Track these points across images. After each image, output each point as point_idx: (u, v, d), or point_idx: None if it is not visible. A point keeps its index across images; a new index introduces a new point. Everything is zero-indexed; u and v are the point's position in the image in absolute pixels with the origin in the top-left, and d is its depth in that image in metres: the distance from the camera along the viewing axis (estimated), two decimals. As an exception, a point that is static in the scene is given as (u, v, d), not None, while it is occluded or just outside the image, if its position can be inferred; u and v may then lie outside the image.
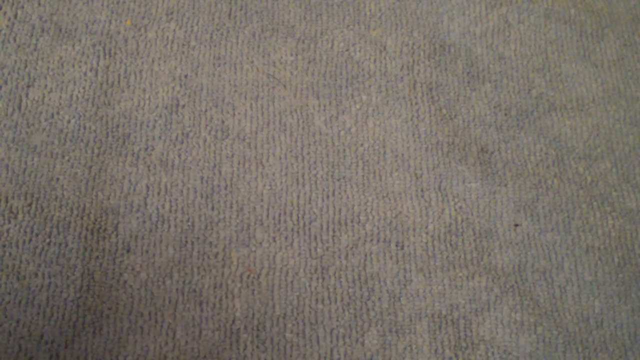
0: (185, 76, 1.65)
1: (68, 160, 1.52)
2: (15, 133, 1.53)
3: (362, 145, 1.61)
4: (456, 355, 1.40)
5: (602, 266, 1.52)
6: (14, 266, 1.39)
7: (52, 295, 1.37)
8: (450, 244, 1.51)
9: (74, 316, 1.36)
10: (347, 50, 1.73)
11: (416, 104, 1.68)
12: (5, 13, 1.68)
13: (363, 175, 1.57)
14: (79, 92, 1.60)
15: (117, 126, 1.57)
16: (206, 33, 1.71)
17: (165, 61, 1.66)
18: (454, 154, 1.62)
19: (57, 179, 1.49)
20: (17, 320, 1.34)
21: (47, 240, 1.42)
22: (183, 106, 1.61)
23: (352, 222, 1.52)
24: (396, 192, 1.56)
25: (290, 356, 1.37)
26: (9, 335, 1.33)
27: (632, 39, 1.84)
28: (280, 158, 1.57)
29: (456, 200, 1.56)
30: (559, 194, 1.60)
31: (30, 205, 1.46)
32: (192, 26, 1.71)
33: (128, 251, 1.43)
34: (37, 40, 1.65)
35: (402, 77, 1.71)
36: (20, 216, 1.44)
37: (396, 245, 1.50)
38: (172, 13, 1.73)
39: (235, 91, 1.65)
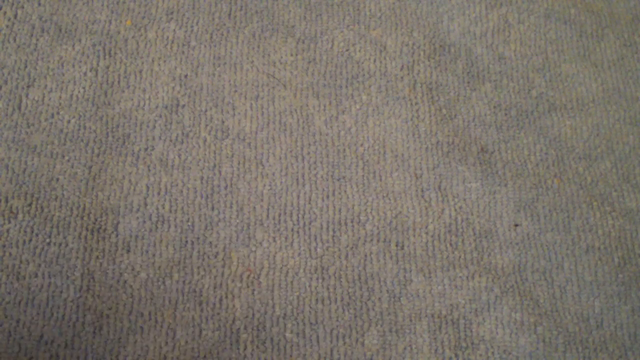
0: (185, 76, 1.65)
1: (68, 160, 1.52)
2: (15, 133, 1.53)
3: (362, 145, 1.61)
4: (456, 355, 1.40)
5: (602, 266, 1.52)
6: (14, 266, 1.39)
7: (52, 295, 1.37)
8: (450, 244, 1.51)
9: (74, 316, 1.36)
10: (347, 50, 1.73)
11: (416, 104, 1.68)
12: (5, 13, 1.68)
13: (363, 175, 1.57)
14: (79, 92, 1.60)
15: (117, 126, 1.57)
16: (206, 33, 1.71)
17: (165, 61, 1.66)
18: (454, 154, 1.62)
19: (57, 179, 1.49)
20: (17, 320, 1.34)
21: (47, 240, 1.42)
22: (183, 106, 1.61)
23: (352, 222, 1.52)
24: (396, 192, 1.56)
25: (290, 356, 1.37)
26: (9, 335, 1.33)
27: (632, 39, 1.84)
28: (280, 158, 1.57)
29: (456, 200, 1.57)
30: (559, 194, 1.60)
31: (30, 205, 1.46)
32: (192, 26, 1.71)
33: (128, 251, 1.43)
34: (37, 40, 1.65)
35: (402, 77, 1.71)
36: (20, 216, 1.44)
37: (396, 245, 1.50)
38: (172, 13, 1.73)
39: (235, 91, 1.65)
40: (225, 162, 1.56)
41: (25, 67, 1.62)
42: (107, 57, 1.65)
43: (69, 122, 1.56)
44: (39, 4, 1.70)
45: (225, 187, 1.53)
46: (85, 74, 1.62)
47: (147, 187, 1.51)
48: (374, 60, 1.73)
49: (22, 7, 1.69)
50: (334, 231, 1.50)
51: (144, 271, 1.42)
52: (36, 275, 1.38)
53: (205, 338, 1.37)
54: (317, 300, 1.43)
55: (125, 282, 1.40)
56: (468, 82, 1.72)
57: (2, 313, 1.34)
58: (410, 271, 1.47)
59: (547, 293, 1.48)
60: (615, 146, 1.68)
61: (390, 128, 1.64)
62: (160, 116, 1.59)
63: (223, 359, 1.35)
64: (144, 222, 1.47)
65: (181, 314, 1.38)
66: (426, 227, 1.53)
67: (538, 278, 1.49)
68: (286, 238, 1.48)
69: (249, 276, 1.44)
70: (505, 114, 1.69)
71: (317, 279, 1.45)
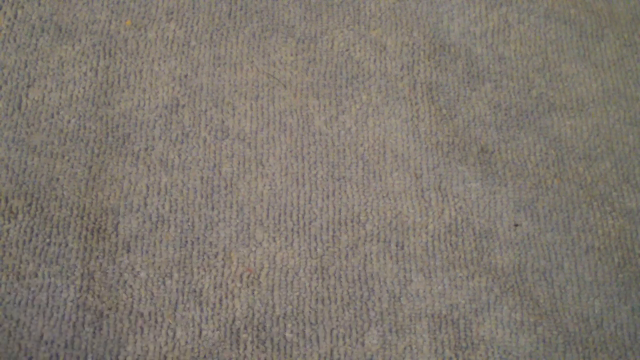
0: (185, 76, 1.65)
1: (68, 160, 1.52)
2: (15, 133, 1.53)
3: (362, 145, 1.61)
4: (456, 355, 1.40)
5: (602, 266, 1.52)
6: (14, 266, 1.39)
7: (52, 295, 1.37)
8: (450, 244, 1.51)
9: (74, 316, 1.36)
10: (347, 50, 1.73)
11: (416, 104, 1.68)
12: (5, 13, 1.68)
13: (363, 175, 1.57)
14: (79, 92, 1.60)
15: (117, 126, 1.57)
16: (206, 33, 1.71)
17: (165, 61, 1.66)
18: (454, 154, 1.62)
19: (57, 179, 1.49)
20: (17, 320, 1.34)
21: (47, 240, 1.42)
22: (183, 106, 1.61)
23: (352, 222, 1.52)
24: (396, 192, 1.56)
25: (290, 356, 1.37)
26: (9, 335, 1.33)
27: (632, 39, 1.84)
28: (280, 158, 1.57)
29: (456, 200, 1.57)
30: (559, 194, 1.60)
31: (30, 205, 1.46)
32: (192, 26, 1.71)
33: (128, 251, 1.43)
34: (37, 40, 1.65)
35: (402, 77, 1.71)
36: (20, 216, 1.44)
37: (396, 245, 1.50)
38: (172, 13, 1.73)
39: (235, 91, 1.65)
40: (225, 162, 1.56)
41: (25, 67, 1.62)
42: (107, 57, 1.65)
43: (69, 122, 1.56)
44: (39, 4, 1.70)
45: (225, 187, 1.53)
46: (85, 74, 1.62)
47: (147, 187, 1.51)
48: (374, 60, 1.73)
49: (22, 7, 1.69)
50: (334, 231, 1.50)
51: (144, 271, 1.42)
52: (36, 275, 1.38)
53: (205, 338, 1.37)
54: (317, 300, 1.43)
55: (125, 282, 1.40)
56: (468, 82, 1.72)
57: (2, 313, 1.34)
58: (410, 271, 1.47)
59: (547, 293, 1.48)
60: (615, 146, 1.68)
61: (390, 128, 1.64)
62: (160, 116, 1.59)
63: (223, 359, 1.35)
64: (144, 222, 1.47)
65: (181, 314, 1.38)
66: (426, 227, 1.53)
67: (538, 278, 1.49)
68: (286, 238, 1.48)
69: (249, 276, 1.44)
70: (505, 114, 1.69)
71: (317, 279, 1.45)
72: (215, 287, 1.42)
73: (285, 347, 1.38)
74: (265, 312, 1.40)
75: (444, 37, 1.78)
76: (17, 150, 1.51)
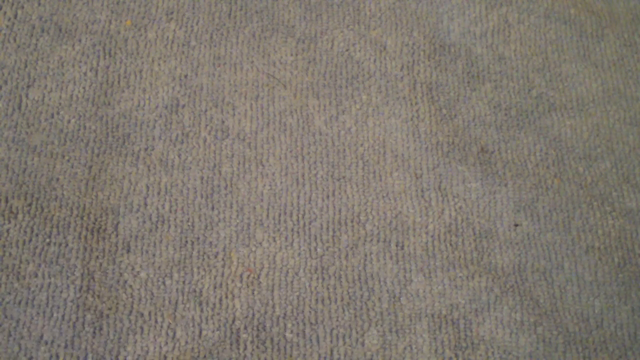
0: (185, 76, 1.65)
1: (68, 160, 1.52)
2: (15, 133, 1.53)
3: (362, 145, 1.61)
4: (456, 355, 1.40)
5: (602, 266, 1.52)
6: (14, 266, 1.39)
7: (52, 295, 1.37)
8: (450, 244, 1.51)
9: (74, 316, 1.36)
10: (347, 50, 1.73)
11: (416, 104, 1.68)
12: (5, 13, 1.68)
13: (363, 175, 1.57)
14: (79, 92, 1.60)
15: (117, 126, 1.57)
16: (206, 33, 1.71)
17: (165, 61, 1.66)
18: (454, 154, 1.62)
19: (57, 179, 1.49)
20: (17, 320, 1.34)
21: (47, 240, 1.42)
22: (183, 106, 1.61)
23: (352, 222, 1.52)
24: (396, 192, 1.56)
25: (290, 356, 1.37)
26: (9, 335, 1.33)
27: (632, 39, 1.84)
28: (280, 158, 1.57)
29: (456, 200, 1.57)
30: (559, 194, 1.60)
31: (30, 205, 1.46)
32: (192, 26, 1.71)
33: (128, 251, 1.43)
34: (37, 40, 1.65)
35: (402, 77, 1.71)
36: (20, 216, 1.44)
37: (396, 245, 1.50)
38: (172, 13, 1.73)
39: (235, 91, 1.65)
40: (225, 162, 1.56)
41: (25, 67, 1.62)
42: (107, 57, 1.65)
43: (69, 122, 1.56)
44: (39, 4, 1.70)
45: (225, 187, 1.53)
46: (85, 74, 1.62)
47: (147, 187, 1.51)
48: (374, 60, 1.73)
49: (22, 7, 1.69)
50: (334, 231, 1.50)
51: (144, 271, 1.42)
52: (36, 275, 1.38)
53: (205, 338, 1.37)
54: (317, 300, 1.43)
55: (125, 282, 1.40)
56: (468, 82, 1.72)
57: (2, 313, 1.34)
58: (410, 271, 1.47)
59: (547, 293, 1.48)
60: (615, 146, 1.68)
61: (390, 128, 1.64)
62: (160, 116, 1.59)
63: (223, 359, 1.35)
64: (144, 222, 1.47)
65: (181, 314, 1.38)
66: (426, 227, 1.53)
67: (538, 278, 1.49)
68: (286, 238, 1.48)
69: (249, 276, 1.44)
70: (505, 114, 1.69)
71: (317, 279, 1.45)
72: (215, 287, 1.42)
73: (285, 347, 1.38)
74: (265, 312, 1.40)
75: (444, 37, 1.78)
76: (17, 150, 1.51)
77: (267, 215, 1.50)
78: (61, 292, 1.37)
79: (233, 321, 1.39)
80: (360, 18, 1.78)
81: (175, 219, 1.48)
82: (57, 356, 1.32)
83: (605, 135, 1.69)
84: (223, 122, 1.60)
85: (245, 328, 1.38)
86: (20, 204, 1.45)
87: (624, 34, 1.84)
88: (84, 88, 1.61)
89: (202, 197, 1.51)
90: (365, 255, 1.48)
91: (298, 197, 1.53)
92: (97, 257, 1.42)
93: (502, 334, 1.43)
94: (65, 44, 1.66)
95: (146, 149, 1.55)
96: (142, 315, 1.37)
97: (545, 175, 1.62)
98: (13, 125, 1.54)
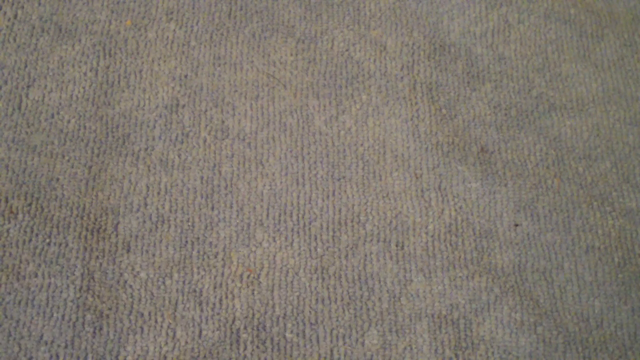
0: (185, 76, 1.65)
1: (68, 160, 1.52)
2: (15, 133, 1.53)
3: (362, 145, 1.61)
4: (456, 355, 1.40)
5: (602, 266, 1.52)
6: (14, 266, 1.39)
7: (52, 295, 1.37)
8: (450, 244, 1.51)
9: (74, 316, 1.36)
10: (347, 50, 1.73)
11: (416, 104, 1.68)
12: (5, 13, 1.68)
13: (363, 175, 1.57)
14: (79, 92, 1.60)
15: (117, 126, 1.57)
16: (206, 33, 1.71)
17: (165, 61, 1.66)
18: (454, 154, 1.62)
19: (57, 179, 1.49)
20: (17, 320, 1.34)
21: (47, 240, 1.42)
22: (183, 106, 1.61)
23: (352, 222, 1.52)
24: (396, 192, 1.56)
25: (290, 356, 1.37)
26: (9, 335, 1.33)
27: (632, 39, 1.84)
28: (280, 158, 1.57)
29: (456, 200, 1.57)
30: (559, 194, 1.60)
31: (30, 205, 1.46)
32: (192, 26, 1.71)
33: (128, 251, 1.43)
34: (37, 40, 1.65)
35: (402, 77, 1.71)
36: (20, 216, 1.44)
37: (396, 245, 1.50)
38: (172, 13, 1.73)
39: (235, 91, 1.65)
40: (225, 162, 1.56)
41: (25, 67, 1.62)
42: (107, 57, 1.65)
43: (69, 122, 1.56)
44: (39, 4, 1.70)
45: (225, 187, 1.53)
46: (85, 74, 1.62)
47: (147, 187, 1.51)
48: (374, 60, 1.73)
49: (22, 7, 1.69)
50: (334, 231, 1.50)
51: (144, 271, 1.42)
52: (36, 275, 1.38)
53: (205, 338, 1.37)
54: (317, 300, 1.43)
55: (125, 282, 1.40)
56: (468, 82, 1.72)
57: (2, 313, 1.34)
58: (410, 271, 1.47)
59: (547, 293, 1.48)
60: (615, 146, 1.68)
61: (390, 128, 1.64)
62: (160, 116, 1.59)
63: (223, 359, 1.35)
64: (144, 222, 1.47)
65: (181, 314, 1.38)
66: (426, 227, 1.53)
67: (538, 278, 1.49)
68: (286, 238, 1.48)
69: (249, 276, 1.44)
70: (505, 114, 1.69)
71: (317, 279, 1.45)
72: (215, 287, 1.42)
73: (285, 347, 1.38)
74: (265, 312, 1.40)
75: (444, 37, 1.78)
76: (17, 150, 1.51)
77: (267, 215, 1.50)
78: (61, 292, 1.37)
79: (233, 321, 1.39)
80: (360, 18, 1.78)
81: (175, 219, 1.48)
82: (57, 356, 1.32)
83: (605, 135, 1.69)
84: (223, 122, 1.60)
85: (245, 328, 1.38)
86: (20, 204, 1.45)
87: (624, 34, 1.84)
88: (84, 88, 1.61)
89: (202, 197, 1.51)
90: (365, 255, 1.48)
91: (298, 197, 1.53)
92: (97, 257, 1.42)
93: (502, 334, 1.43)
94: (65, 44, 1.66)
95: (146, 149, 1.55)
96: (142, 315, 1.37)
97: (545, 175, 1.62)
98: (13, 125, 1.54)
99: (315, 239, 1.49)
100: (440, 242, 1.51)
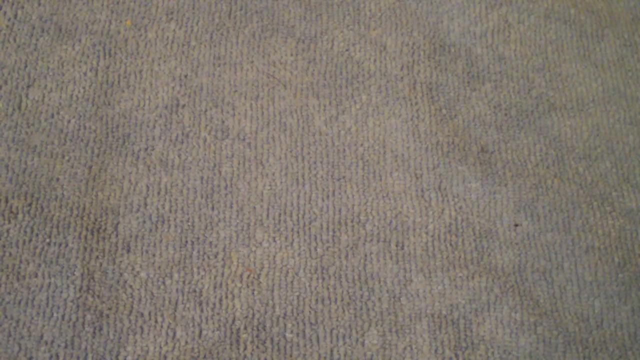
0: (185, 76, 1.65)
1: (68, 160, 1.52)
2: (15, 133, 1.53)
3: (362, 145, 1.61)
4: (456, 355, 1.40)
5: (602, 266, 1.52)
6: (14, 266, 1.39)
7: (52, 295, 1.37)
8: (450, 244, 1.51)
9: (74, 316, 1.36)
10: (347, 50, 1.73)
11: (416, 104, 1.68)
12: (5, 13, 1.68)
13: (363, 175, 1.57)
14: (79, 92, 1.60)
15: (117, 126, 1.57)
16: (206, 33, 1.71)
17: (165, 61, 1.66)
18: (454, 154, 1.62)
19: (57, 179, 1.49)
20: (17, 320, 1.34)
21: (47, 240, 1.42)
22: (183, 106, 1.61)
23: (352, 222, 1.52)
24: (396, 192, 1.56)
25: (290, 356, 1.37)
26: (9, 335, 1.33)
27: (632, 39, 1.84)
28: (280, 158, 1.57)
29: (456, 200, 1.57)
30: (559, 194, 1.60)
31: (30, 205, 1.46)
32: (192, 26, 1.71)
33: (128, 251, 1.43)
34: (37, 40, 1.65)
35: (402, 77, 1.71)
36: (20, 216, 1.44)
37: (396, 245, 1.50)
38: (172, 13, 1.73)
39: (235, 91, 1.65)
40: (225, 162, 1.56)
41: (25, 67, 1.62)
42: (107, 57, 1.65)
43: (69, 122, 1.56)
44: (39, 4, 1.70)
45: (225, 187, 1.53)
46: (85, 74, 1.62)
47: (147, 187, 1.51)
48: (374, 60, 1.73)
49: (22, 7, 1.69)
50: (334, 231, 1.50)
51: (144, 271, 1.42)
52: (36, 275, 1.38)
53: (205, 338, 1.37)
54: (317, 300, 1.43)
55: (125, 282, 1.40)
56: (468, 82, 1.72)
57: (2, 313, 1.34)
58: (410, 271, 1.47)
59: (547, 293, 1.48)
60: (615, 146, 1.68)
61: (390, 128, 1.64)
62: (160, 116, 1.59)
63: (223, 359, 1.35)
64: (144, 222, 1.47)
65: (181, 314, 1.38)
66: (426, 227, 1.53)
67: (538, 278, 1.49)
68: (286, 238, 1.48)
69: (249, 276, 1.44)
70: (505, 114, 1.69)
71: (317, 279, 1.45)
72: (215, 287, 1.42)
73: (285, 347, 1.38)
74: (265, 312, 1.40)
75: (444, 37, 1.78)
76: (17, 150, 1.51)
77: (267, 215, 1.50)
78: (61, 292, 1.37)
79: (233, 321, 1.39)
80: (360, 18, 1.78)
81: (175, 219, 1.48)
82: (57, 356, 1.32)
83: (605, 135, 1.69)
84: (223, 122, 1.60)
85: (245, 328, 1.38)
86: (20, 204, 1.45)
87: (624, 34, 1.84)
88: (84, 88, 1.61)
89: (202, 197, 1.51)
90: (365, 255, 1.48)
91: (298, 197, 1.53)
92: (97, 257, 1.42)
93: (502, 334, 1.43)
94: (65, 44, 1.66)
95: (146, 149, 1.55)
96: (142, 315, 1.37)
97: (545, 175, 1.62)
98: (13, 125, 1.54)
99: (315, 239, 1.49)
100: (440, 242, 1.51)
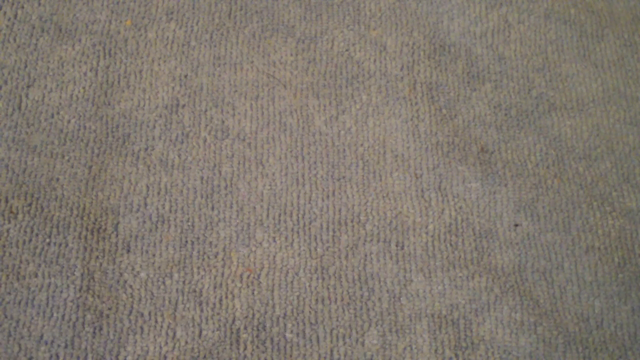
0: (185, 76, 1.65)
1: (68, 160, 1.52)
2: (15, 133, 1.53)
3: (362, 145, 1.61)
4: (456, 355, 1.40)
5: (602, 266, 1.52)
6: (14, 266, 1.39)
7: (52, 295, 1.37)
8: (450, 244, 1.51)
9: (74, 316, 1.36)
10: (347, 50, 1.73)
11: (416, 104, 1.68)
12: (5, 13, 1.68)
13: (363, 175, 1.57)
14: (79, 92, 1.60)
15: (117, 126, 1.57)
16: (206, 33, 1.71)
17: (165, 61, 1.66)
18: (454, 154, 1.62)
19: (57, 179, 1.49)
20: (17, 320, 1.34)
21: (47, 240, 1.42)
22: (183, 106, 1.61)
23: (352, 222, 1.52)
24: (396, 192, 1.56)
25: (290, 356, 1.37)
26: (9, 335, 1.33)
27: (632, 39, 1.84)
28: (280, 158, 1.57)
29: (456, 200, 1.57)
30: (559, 194, 1.60)
31: (30, 205, 1.46)
32: (192, 26, 1.71)
33: (128, 251, 1.43)
34: (37, 40, 1.65)
35: (402, 77, 1.71)
36: (20, 216, 1.44)
37: (396, 245, 1.50)
38: (172, 13, 1.73)
39: (235, 91, 1.65)
40: (225, 162, 1.56)
41: (25, 67, 1.62)
42: (107, 57, 1.65)
43: (69, 122, 1.56)
44: (39, 4, 1.70)
45: (225, 187, 1.53)
46: (85, 74, 1.62)
47: (147, 187, 1.51)
48: (374, 60, 1.73)
49: (22, 7, 1.69)
50: (334, 231, 1.50)
51: (144, 271, 1.42)
52: (36, 275, 1.38)
53: (205, 338, 1.37)
54: (317, 300, 1.43)
55: (125, 282, 1.40)
56: (468, 82, 1.72)
57: (2, 313, 1.34)
58: (410, 271, 1.47)
59: (547, 293, 1.48)
60: (615, 146, 1.68)
61: (390, 128, 1.64)
62: (160, 116, 1.59)
63: (223, 359, 1.35)
64: (144, 222, 1.47)
65: (181, 314, 1.38)
66: (426, 227, 1.53)
67: (538, 278, 1.49)
68: (286, 238, 1.48)
69: (249, 276, 1.44)
70: (505, 114, 1.69)
71: (317, 279, 1.45)
72: (215, 287, 1.42)
73: (285, 347, 1.38)
74: (265, 312, 1.40)
75: (444, 37, 1.78)
76: (17, 150, 1.51)
77: (267, 215, 1.50)
78: (61, 292, 1.38)
79: (233, 321, 1.39)
80: (360, 18, 1.78)
81: (175, 219, 1.48)
82: (57, 356, 1.32)
83: (605, 135, 1.69)
84: (223, 122, 1.60)
85: (245, 328, 1.38)
86: (20, 204, 1.45)
87: (624, 34, 1.84)
88: (84, 88, 1.61)
89: (202, 197, 1.51)
90: (365, 255, 1.48)
91: (298, 197, 1.53)
92: (97, 257, 1.42)
93: (502, 334, 1.43)
94: (65, 44, 1.66)
95: (146, 149, 1.55)
96: (142, 315, 1.37)
97: (545, 175, 1.62)
98: (13, 125, 1.54)
99: (315, 239, 1.49)
100: (440, 242, 1.51)
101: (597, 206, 1.59)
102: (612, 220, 1.58)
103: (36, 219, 1.44)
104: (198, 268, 1.43)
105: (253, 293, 1.42)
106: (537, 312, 1.46)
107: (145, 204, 1.49)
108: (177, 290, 1.41)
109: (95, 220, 1.46)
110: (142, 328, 1.36)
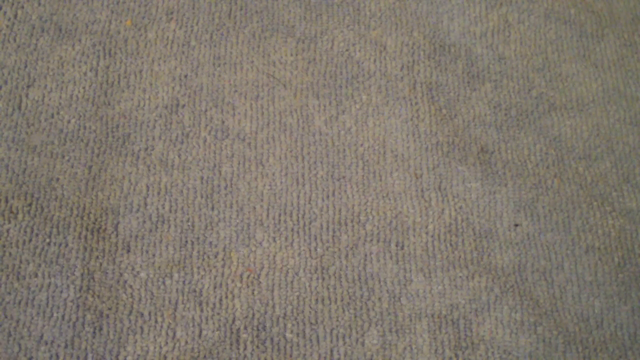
0: (185, 76, 1.65)
1: (68, 160, 1.52)
2: (15, 133, 1.53)
3: (362, 145, 1.61)
4: (456, 355, 1.40)
5: (602, 266, 1.52)
6: (14, 266, 1.39)
7: (52, 295, 1.37)
8: (450, 244, 1.51)
9: (74, 316, 1.36)
10: (347, 50, 1.73)
11: (416, 104, 1.68)
12: (5, 13, 1.68)
13: (363, 175, 1.57)
14: (79, 92, 1.60)
15: (117, 126, 1.57)
16: (206, 33, 1.71)
17: (165, 61, 1.66)
18: (454, 154, 1.62)
19: (57, 179, 1.49)
20: (17, 320, 1.34)
21: (47, 240, 1.42)
22: (183, 106, 1.61)
23: (352, 222, 1.52)
24: (396, 192, 1.56)
25: (290, 356, 1.37)
26: (9, 335, 1.33)
27: (632, 39, 1.84)
28: (280, 158, 1.57)
29: (456, 200, 1.56)
30: (559, 194, 1.60)
31: (30, 205, 1.46)
32: (192, 26, 1.71)
33: (128, 251, 1.43)
34: (37, 40, 1.65)
35: (402, 77, 1.71)
36: (20, 216, 1.44)
37: (396, 245, 1.50)
38: (172, 13, 1.73)
39: (235, 91, 1.65)
40: (225, 162, 1.56)
41: (25, 67, 1.62)
42: (107, 57, 1.65)
43: (69, 122, 1.56)
44: (39, 4, 1.70)
45: (225, 187, 1.53)
46: (85, 74, 1.62)
47: (147, 187, 1.51)
48: (374, 60, 1.73)
49: (22, 7, 1.69)
50: (334, 231, 1.50)
51: (144, 271, 1.42)
52: (36, 275, 1.38)
53: (205, 338, 1.37)
54: (317, 300, 1.43)
55: (125, 282, 1.40)
56: (468, 82, 1.72)
57: (2, 313, 1.34)
58: (410, 271, 1.47)
59: (547, 293, 1.48)
60: (615, 146, 1.68)
61: (390, 128, 1.64)
62: (160, 116, 1.59)
63: (223, 359, 1.35)
64: (144, 222, 1.47)
65: (181, 314, 1.38)
66: (426, 227, 1.53)
67: (538, 278, 1.49)
68: (286, 238, 1.48)
69: (249, 276, 1.44)
70: (505, 114, 1.69)
71: (317, 279, 1.45)
72: (215, 287, 1.42)
73: (285, 347, 1.38)
74: (265, 312, 1.40)
75: (444, 37, 1.78)
76: (17, 150, 1.51)
77: (267, 215, 1.50)
78: (61, 292, 1.37)
79: (233, 321, 1.39)
80: (360, 18, 1.78)
81: (175, 219, 1.48)
82: (57, 356, 1.32)
83: (605, 135, 1.69)
84: (223, 122, 1.60)
85: (245, 328, 1.38)
86: (20, 204, 1.45)
87: (624, 34, 1.84)
88: (84, 88, 1.61)
89: (202, 197, 1.51)
90: (365, 255, 1.48)
91: (298, 197, 1.53)
92: (97, 257, 1.42)
93: (502, 334, 1.43)
94: (65, 44, 1.66)
95: (146, 149, 1.55)
96: (142, 315, 1.37)
97: (545, 175, 1.62)
98: (13, 125, 1.54)
99: (315, 239, 1.49)
100: (440, 242, 1.51)
101: (597, 206, 1.59)
102: (612, 220, 1.58)
103: (36, 219, 1.44)
104: (198, 268, 1.43)
105: (253, 293, 1.42)
106: (537, 312, 1.46)
107: (145, 204, 1.49)
108: (177, 290, 1.41)
109: (95, 220, 1.46)
110: (142, 328, 1.36)
